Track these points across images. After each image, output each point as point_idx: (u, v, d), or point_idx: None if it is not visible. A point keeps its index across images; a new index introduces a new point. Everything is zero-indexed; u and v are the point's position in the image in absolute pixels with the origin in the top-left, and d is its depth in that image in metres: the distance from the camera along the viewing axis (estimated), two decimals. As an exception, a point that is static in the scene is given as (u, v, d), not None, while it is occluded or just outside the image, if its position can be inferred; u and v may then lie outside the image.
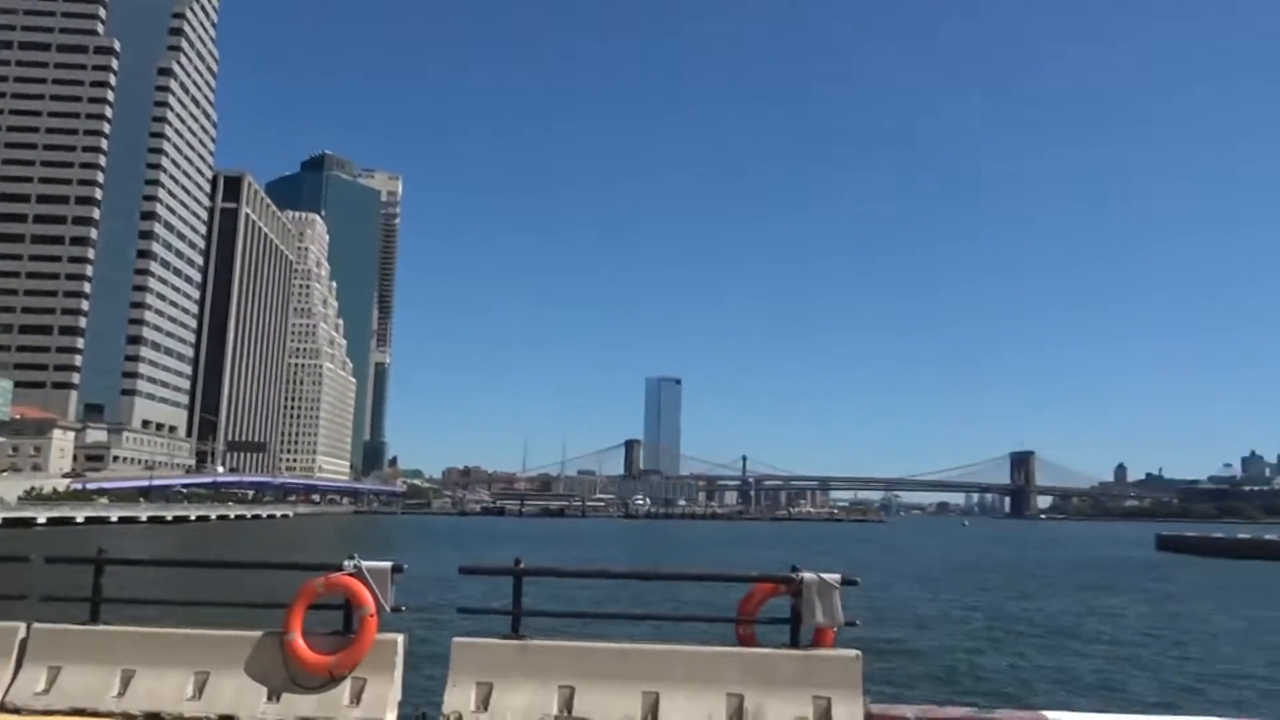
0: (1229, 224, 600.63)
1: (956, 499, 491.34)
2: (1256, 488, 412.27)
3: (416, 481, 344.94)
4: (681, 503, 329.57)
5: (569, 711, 7.67)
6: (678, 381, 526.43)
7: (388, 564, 8.46)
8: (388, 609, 8.25)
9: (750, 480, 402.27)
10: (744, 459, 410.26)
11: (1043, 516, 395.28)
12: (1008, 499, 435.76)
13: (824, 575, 8.12)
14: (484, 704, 7.77)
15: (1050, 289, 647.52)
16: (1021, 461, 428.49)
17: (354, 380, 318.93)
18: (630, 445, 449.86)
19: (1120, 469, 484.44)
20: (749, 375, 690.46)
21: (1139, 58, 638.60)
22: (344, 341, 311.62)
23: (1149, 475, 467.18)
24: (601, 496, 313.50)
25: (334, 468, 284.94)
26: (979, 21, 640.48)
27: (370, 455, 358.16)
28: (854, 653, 7.77)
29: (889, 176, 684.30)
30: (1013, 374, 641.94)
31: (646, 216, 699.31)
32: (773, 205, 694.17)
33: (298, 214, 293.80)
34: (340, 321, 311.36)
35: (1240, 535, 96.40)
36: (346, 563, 8.39)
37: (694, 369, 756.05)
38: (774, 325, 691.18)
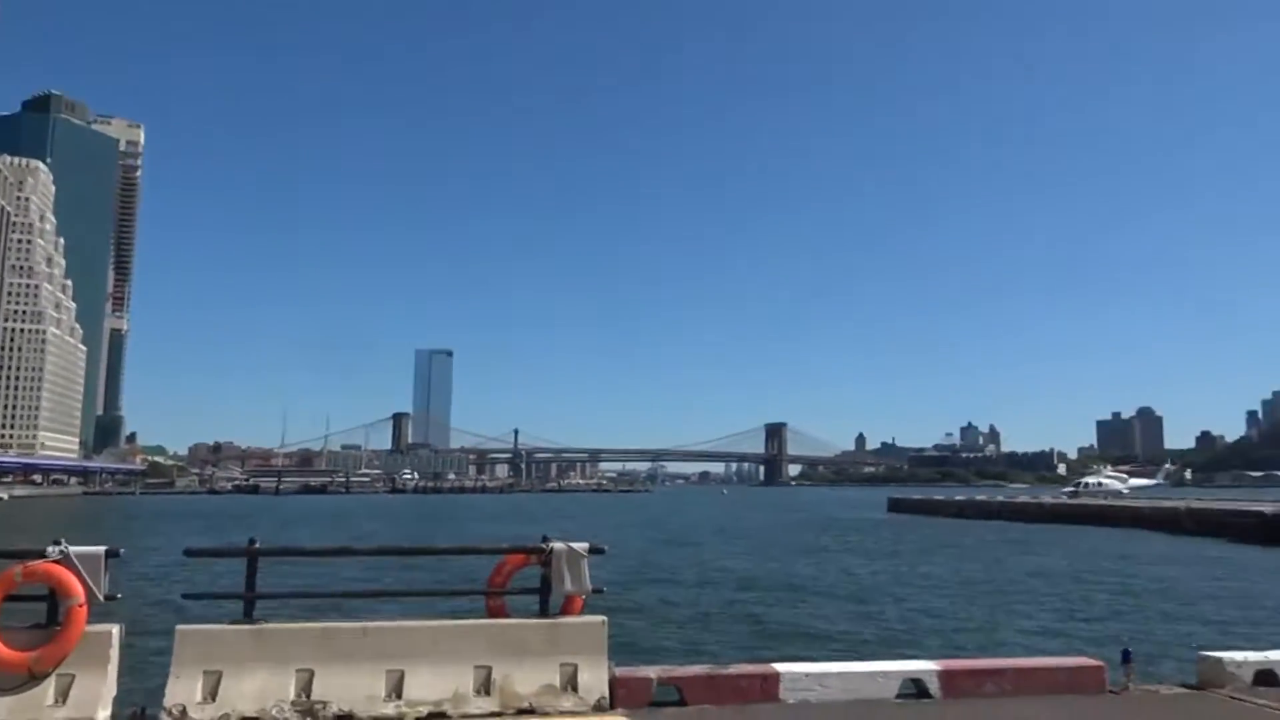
0: (945, 208, 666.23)
1: (717, 468, 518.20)
2: (972, 454, 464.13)
3: (159, 459, 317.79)
4: (451, 476, 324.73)
5: (307, 695, 7.35)
6: (449, 354, 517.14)
7: (100, 549, 7.69)
8: (100, 598, 7.51)
9: (522, 453, 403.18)
10: (516, 432, 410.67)
11: (793, 483, 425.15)
12: (762, 468, 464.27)
13: (573, 544, 8.23)
14: (211, 694, 7.29)
15: (797, 276, 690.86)
16: (775, 432, 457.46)
17: (84, 348, 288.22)
18: (398, 419, 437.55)
19: (860, 438, 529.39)
20: (522, 348, 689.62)
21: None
22: (73, 305, 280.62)
23: (884, 444, 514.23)
24: (367, 472, 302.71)
25: (60, 445, 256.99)
26: None
27: (104, 431, 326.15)
28: (600, 619, 7.95)
29: (655, 158, 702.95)
30: (767, 350, 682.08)
31: (416, 177, 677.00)
32: (541, 170, 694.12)
33: (17, 160, 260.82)
34: (68, 283, 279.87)
35: (956, 497, 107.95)
36: (50, 548, 7.56)
37: (466, 341, 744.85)
38: (546, 298, 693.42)
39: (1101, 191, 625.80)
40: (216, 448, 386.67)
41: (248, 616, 7.75)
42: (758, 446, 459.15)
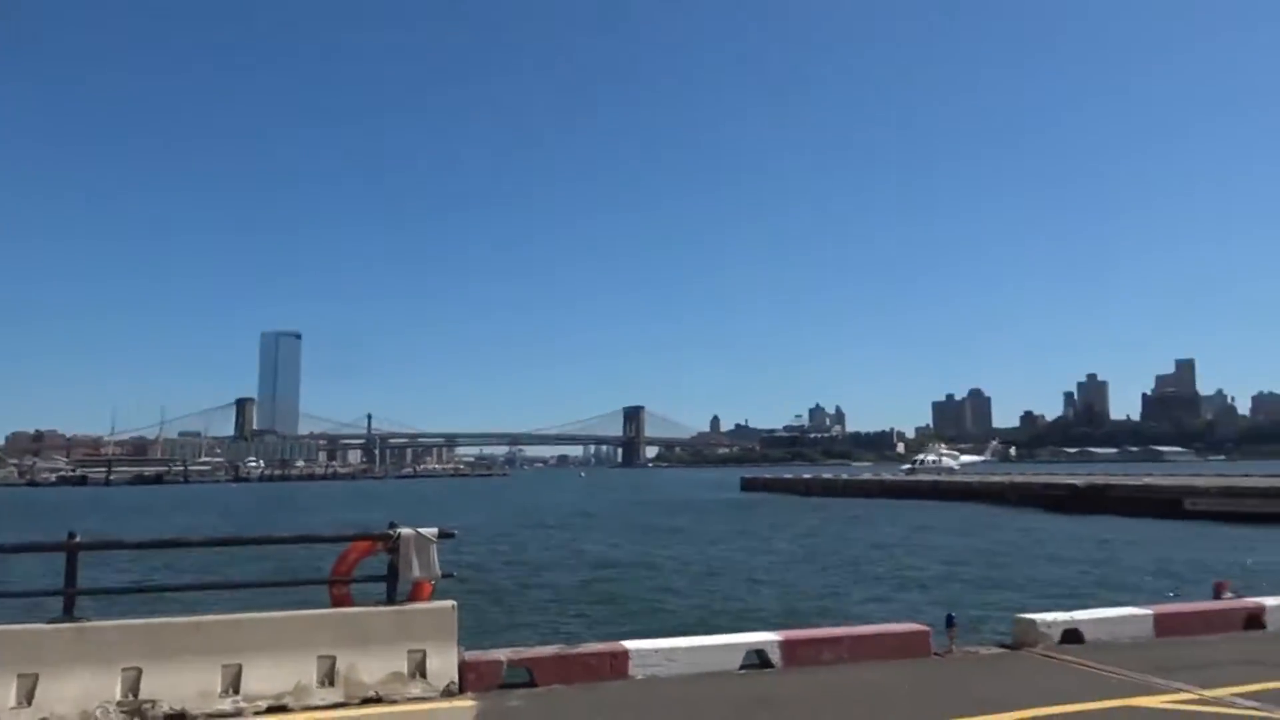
0: (790, 195, 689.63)
1: (575, 451, 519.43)
2: (819, 435, 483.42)
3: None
4: (300, 463, 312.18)
5: (135, 695, 6.97)
6: (297, 336, 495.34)
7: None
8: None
9: (375, 438, 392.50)
10: (369, 417, 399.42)
11: (650, 465, 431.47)
12: (620, 450, 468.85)
13: (421, 529, 8.11)
14: (27, 698, 6.81)
15: (652, 262, 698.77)
16: (633, 415, 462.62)
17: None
18: (242, 404, 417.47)
19: (715, 421, 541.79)
20: (375, 330, 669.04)
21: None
22: None
23: (738, 426, 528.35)
24: (208, 460, 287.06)
25: None
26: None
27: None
28: (448, 604, 7.87)
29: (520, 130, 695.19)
30: (625, 334, 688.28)
31: (255, 151, 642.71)
32: (390, 132, 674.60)
33: None
34: None
35: (804, 475, 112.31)
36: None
37: (315, 323, 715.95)
38: (399, 280, 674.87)
39: (916, 184, 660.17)
40: (38, 436, 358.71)
41: (68, 614, 7.27)
42: (616, 429, 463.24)
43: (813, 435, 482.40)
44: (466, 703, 7.38)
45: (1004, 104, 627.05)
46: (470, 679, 7.71)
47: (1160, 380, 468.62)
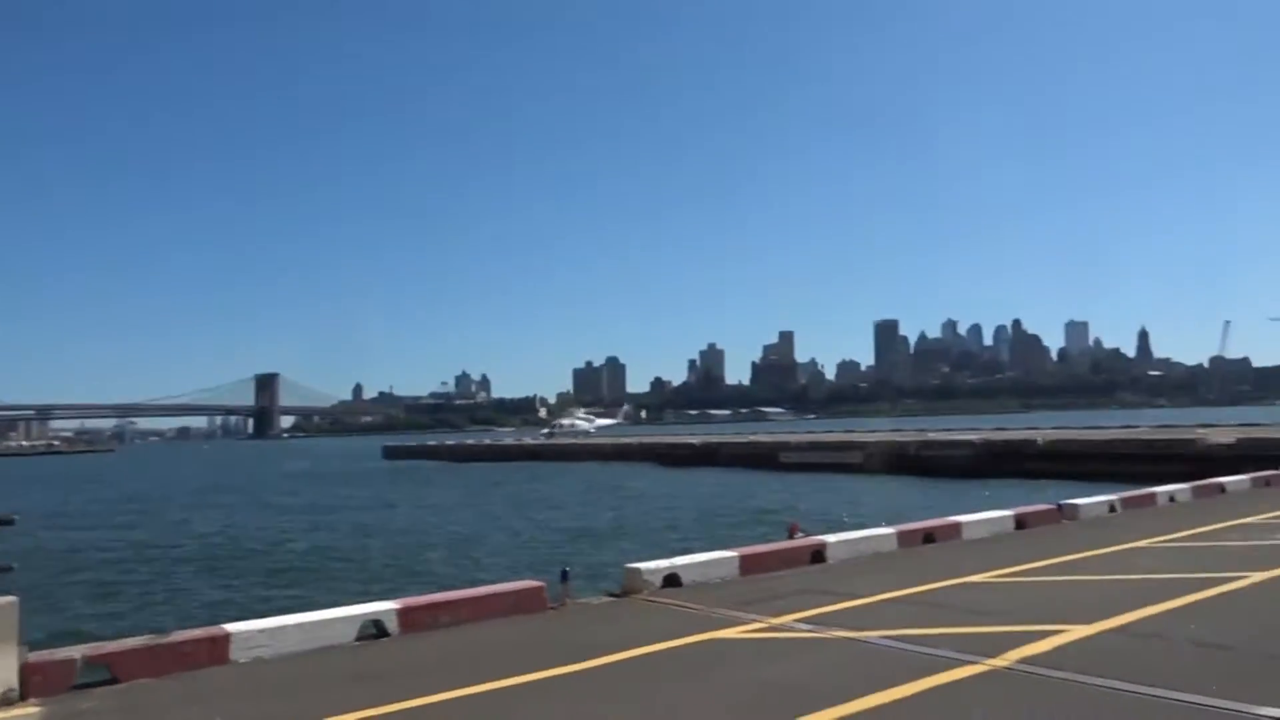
0: (425, 169, 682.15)
1: (200, 423, 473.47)
2: (465, 401, 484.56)
3: None
4: None
5: None
6: None
7: None
8: None
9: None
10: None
11: (285, 435, 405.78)
12: (252, 420, 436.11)
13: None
14: None
15: (273, 219, 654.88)
16: (266, 383, 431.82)
17: None
18: None
19: (357, 388, 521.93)
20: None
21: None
22: None
23: (382, 393, 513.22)
24: None
25: None
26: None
27: None
28: (8, 600, 6.81)
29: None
30: (255, 294, 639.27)
31: None
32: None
33: None
34: None
35: (448, 442, 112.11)
36: None
37: None
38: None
39: (555, 158, 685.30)
40: None
41: None
42: (247, 398, 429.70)
43: (459, 402, 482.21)
44: (28, 710, 6.45)
45: (609, 83, 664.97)
46: (35, 683, 6.74)
47: (767, 349, 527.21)
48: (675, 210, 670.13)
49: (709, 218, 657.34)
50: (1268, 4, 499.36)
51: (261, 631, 7.66)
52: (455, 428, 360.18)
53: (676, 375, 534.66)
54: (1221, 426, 60.36)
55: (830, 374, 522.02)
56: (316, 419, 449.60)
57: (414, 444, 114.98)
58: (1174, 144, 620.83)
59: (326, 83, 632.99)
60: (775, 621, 8.39)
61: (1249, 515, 15.45)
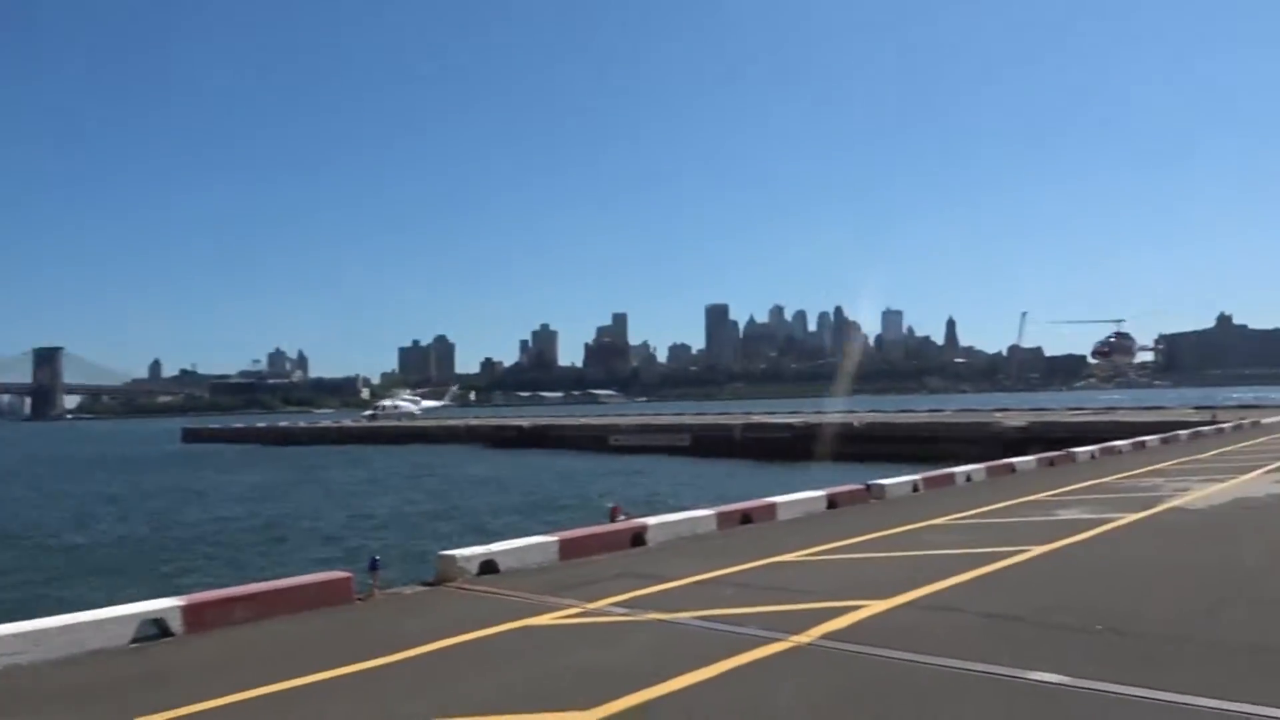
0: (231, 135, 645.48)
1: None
2: (280, 381, 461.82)
3: None
4: None
5: None
6: None
7: None
8: None
9: None
10: None
11: (70, 417, 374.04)
12: (29, 400, 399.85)
13: None
14: None
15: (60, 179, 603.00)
16: (47, 358, 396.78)
17: None
18: None
19: (155, 365, 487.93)
20: None
21: None
22: None
23: (184, 371, 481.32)
24: None
25: None
26: None
27: None
28: None
29: None
30: (34, 260, 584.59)
31: None
32: None
33: None
34: None
35: (258, 424, 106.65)
36: None
37: None
38: None
39: (402, 143, 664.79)
40: None
41: None
42: (20, 376, 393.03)
43: (272, 382, 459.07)
44: None
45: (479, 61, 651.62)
46: None
47: (600, 331, 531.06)
48: (508, 188, 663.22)
49: (542, 196, 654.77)
50: None
51: (17, 635, 6.95)
52: (267, 409, 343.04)
53: (508, 356, 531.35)
54: (1015, 411, 65.73)
55: (662, 357, 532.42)
56: (106, 399, 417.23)
57: (219, 426, 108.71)
58: (974, 139, 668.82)
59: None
60: (591, 606, 8.43)
61: (1034, 493, 16.86)
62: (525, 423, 75.02)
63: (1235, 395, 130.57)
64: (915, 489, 17.79)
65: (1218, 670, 5.94)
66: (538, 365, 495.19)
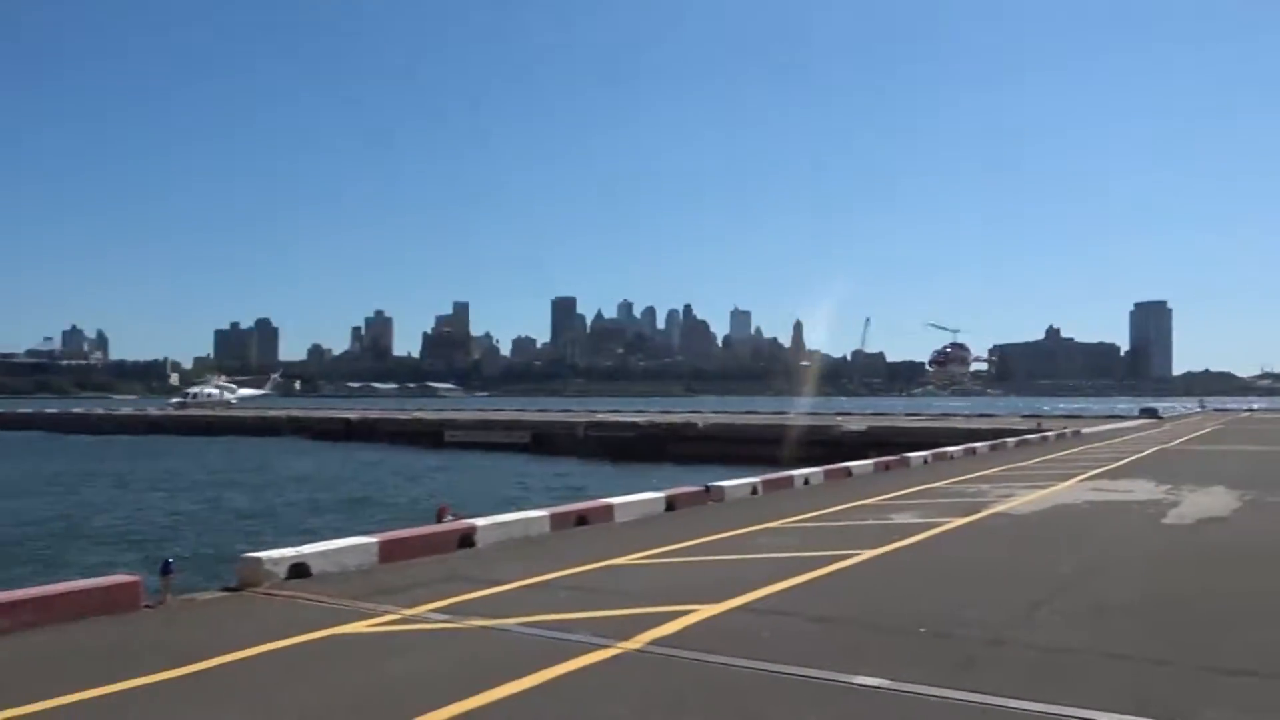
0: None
1: None
2: (75, 362, 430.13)
3: None
4: None
5: None
6: None
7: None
8: None
9: None
10: None
11: None
12: None
13: None
14: None
15: None
16: None
17: None
18: None
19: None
20: None
21: None
22: None
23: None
24: None
25: None
26: None
27: None
28: None
29: None
30: None
31: None
32: None
33: None
34: None
35: (48, 410, 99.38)
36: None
37: None
38: None
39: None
40: None
41: None
42: None
43: (66, 363, 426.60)
44: None
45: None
46: None
47: (440, 320, 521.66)
48: (344, 164, 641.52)
49: (380, 176, 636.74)
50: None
51: None
52: (60, 394, 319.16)
53: (338, 343, 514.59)
54: (856, 415, 68.75)
55: (506, 350, 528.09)
56: None
57: (2, 410, 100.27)
58: (834, 142, 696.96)
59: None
60: (409, 613, 8.19)
61: (869, 497, 17.63)
62: (354, 415, 73.06)
63: (1061, 405, 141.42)
64: (754, 491, 18.25)
65: (1031, 672, 6.32)
66: (371, 354, 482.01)
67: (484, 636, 7.40)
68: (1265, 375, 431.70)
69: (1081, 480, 21.56)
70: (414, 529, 12.02)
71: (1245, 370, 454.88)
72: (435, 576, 9.85)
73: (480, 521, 12.37)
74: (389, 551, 10.75)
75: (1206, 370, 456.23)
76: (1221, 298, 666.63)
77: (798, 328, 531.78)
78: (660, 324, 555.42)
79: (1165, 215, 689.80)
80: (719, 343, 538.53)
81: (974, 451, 31.73)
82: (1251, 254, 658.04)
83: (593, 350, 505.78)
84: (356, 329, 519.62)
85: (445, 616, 8.05)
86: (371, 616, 8.06)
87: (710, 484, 17.44)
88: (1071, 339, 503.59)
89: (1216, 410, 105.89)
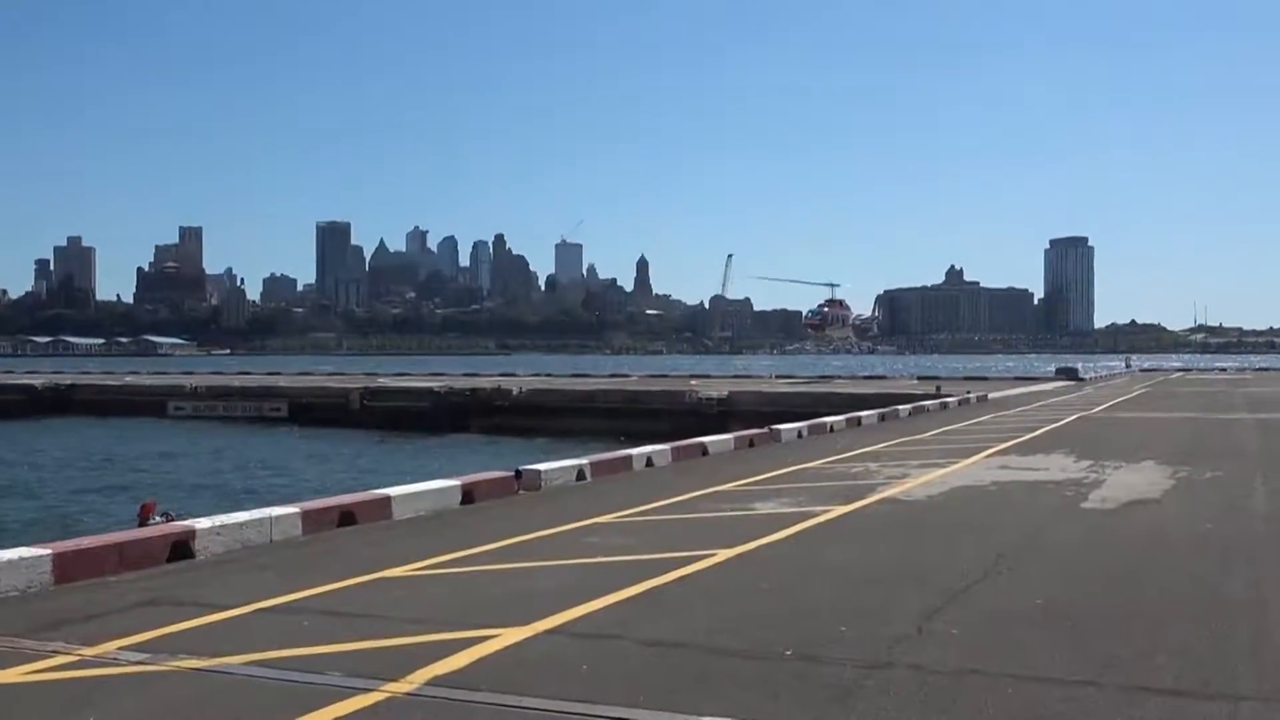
0: None
1: None
2: None
3: None
4: None
5: None
6: None
7: None
8: None
9: None
10: None
11: None
12: None
13: None
14: None
15: None
16: None
17: None
18: None
19: None
20: None
21: None
22: None
23: None
24: None
25: None
26: None
27: None
28: None
29: None
30: None
31: None
32: None
33: None
34: None
35: None
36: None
37: None
38: None
39: None
40: None
41: None
42: None
43: None
44: None
45: None
46: None
47: (161, 252, 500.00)
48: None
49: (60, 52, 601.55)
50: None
51: None
52: None
53: (17, 284, 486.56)
54: (715, 378, 70.19)
55: (254, 293, 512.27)
56: None
57: None
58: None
59: None
60: (91, 653, 7.62)
61: (729, 481, 17.89)
62: (40, 381, 69.95)
63: (964, 364, 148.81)
64: (581, 476, 18.22)
65: (923, 704, 6.35)
66: (64, 298, 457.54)
67: (195, 682, 6.94)
68: (1199, 328, 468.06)
69: (987, 456, 22.58)
70: (106, 536, 11.39)
71: (1177, 322, 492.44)
72: (133, 600, 9.33)
73: (202, 523, 11.77)
74: (67, 567, 10.10)
75: (1133, 322, 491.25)
76: (1150, 235, 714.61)
77: (642, 267, 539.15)
78: (464, 260, 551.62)
79: (1087, 138, 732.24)
80: (541, 285, 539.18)
81: (859, 422, 32.82)
82: (1185, 184, 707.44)
83: (373, 294, 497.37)
84: (43, 262, 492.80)
85: (142, 656, 7.55)
86: (34, 660, 7.47)
87: (522, 467, 17.29)
88: (977, 283, 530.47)
89: (1144, 370, 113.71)
